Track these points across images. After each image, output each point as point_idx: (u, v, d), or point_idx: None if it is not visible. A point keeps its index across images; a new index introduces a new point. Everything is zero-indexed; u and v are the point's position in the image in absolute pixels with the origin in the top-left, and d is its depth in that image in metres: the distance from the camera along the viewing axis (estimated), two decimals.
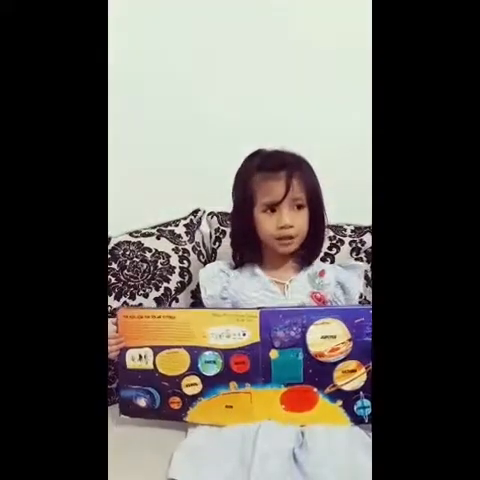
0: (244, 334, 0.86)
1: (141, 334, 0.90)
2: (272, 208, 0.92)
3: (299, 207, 0.93)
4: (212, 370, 0.87)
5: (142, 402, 0.90)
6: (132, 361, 0.90)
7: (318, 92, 1.33)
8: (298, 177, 0.90)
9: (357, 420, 0.85)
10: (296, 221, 0.92)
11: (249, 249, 0.99)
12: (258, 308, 0.88)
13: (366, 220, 1.14)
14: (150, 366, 0.89)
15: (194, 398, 0.88)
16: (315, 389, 0.85)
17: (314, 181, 0.94)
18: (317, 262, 1.04)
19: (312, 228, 0.96)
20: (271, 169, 0.91)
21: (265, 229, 0.94)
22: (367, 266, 1.10)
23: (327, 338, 0.85)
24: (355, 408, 0.85)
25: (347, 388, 0.85)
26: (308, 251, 0.99)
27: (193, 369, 0.88)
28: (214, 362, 0.87)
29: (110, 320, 0.90)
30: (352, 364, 0.85)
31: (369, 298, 1.10)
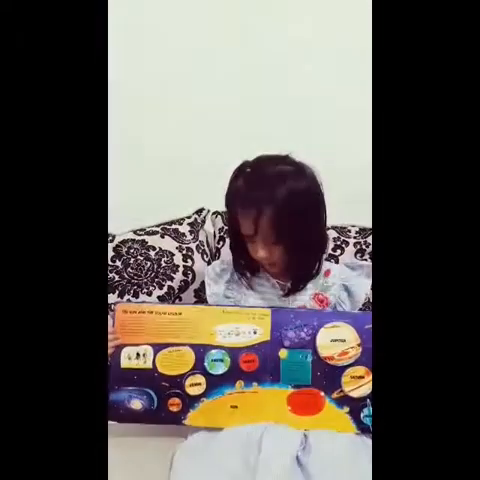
0: (255, 332, 0.86)
1: (141, 331, 0.88)
2: (250, 239, 0.90)
3: (273, 242, 0.88)
4: (219, 369, 0.86)
5: (137, 404, 0.86)
6: (128, 360, 0.87)
7: (319, 92, 1.32)
8: (268, 216, 0.84)
9: (364, 428, 0.85)
10: (273, 253, 0.89)
11: (244, 266, 0.98)
12: (270, 307, 0.88)
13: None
14: (149, 365, 0.86)
15: (196, 399, 0.86)
16: (322, 393, 0.85)
17: (290, 216, 0.84)
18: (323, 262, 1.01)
19: (291, 260, 0.91)
20: (241, 207, 0.88)
21: (250, 251, 0.92)
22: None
23: (336, 341, 0.85)
24: (362, 416, 0.84)
25: (354, 395, 0.85)
26: (292, 280, 0.95)
27: (198, 368, 0.86)
28: (222, 360, 0.86)
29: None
30: (360, 370, 0.85)
31: None
